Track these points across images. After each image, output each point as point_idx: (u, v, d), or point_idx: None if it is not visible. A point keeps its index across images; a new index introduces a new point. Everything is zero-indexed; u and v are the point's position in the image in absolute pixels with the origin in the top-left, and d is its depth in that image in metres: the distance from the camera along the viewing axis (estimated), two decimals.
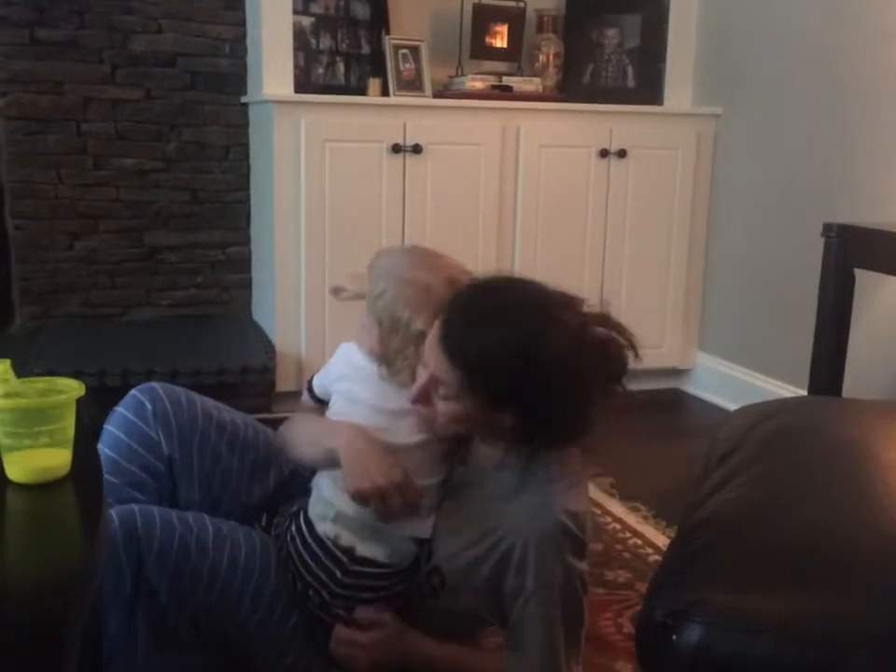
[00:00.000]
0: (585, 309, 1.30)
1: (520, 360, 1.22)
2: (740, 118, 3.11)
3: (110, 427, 1.45)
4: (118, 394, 2.52)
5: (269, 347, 2.93)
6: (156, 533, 1.28)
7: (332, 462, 1.37)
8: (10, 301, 3.09)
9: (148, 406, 1.44)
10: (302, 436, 1.47)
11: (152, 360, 2.75)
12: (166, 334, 3.12)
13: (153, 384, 1.49)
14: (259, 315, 3.26)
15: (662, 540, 2.13)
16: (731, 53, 3.13)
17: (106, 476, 1.41)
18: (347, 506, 1.37)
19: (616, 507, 2.31)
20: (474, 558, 1.35)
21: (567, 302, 1.29)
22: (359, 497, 1.33)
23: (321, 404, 1.52)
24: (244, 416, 1.57)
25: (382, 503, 1.33)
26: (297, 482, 1.54)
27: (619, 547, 2.10)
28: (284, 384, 2.90)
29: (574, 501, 1.34)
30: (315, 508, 1.41)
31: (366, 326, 1.40)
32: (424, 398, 1.30)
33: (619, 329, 1.30)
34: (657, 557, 2.04)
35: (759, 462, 1.26)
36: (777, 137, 2.95)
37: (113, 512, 1.27)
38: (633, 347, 1.29)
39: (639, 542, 2.12)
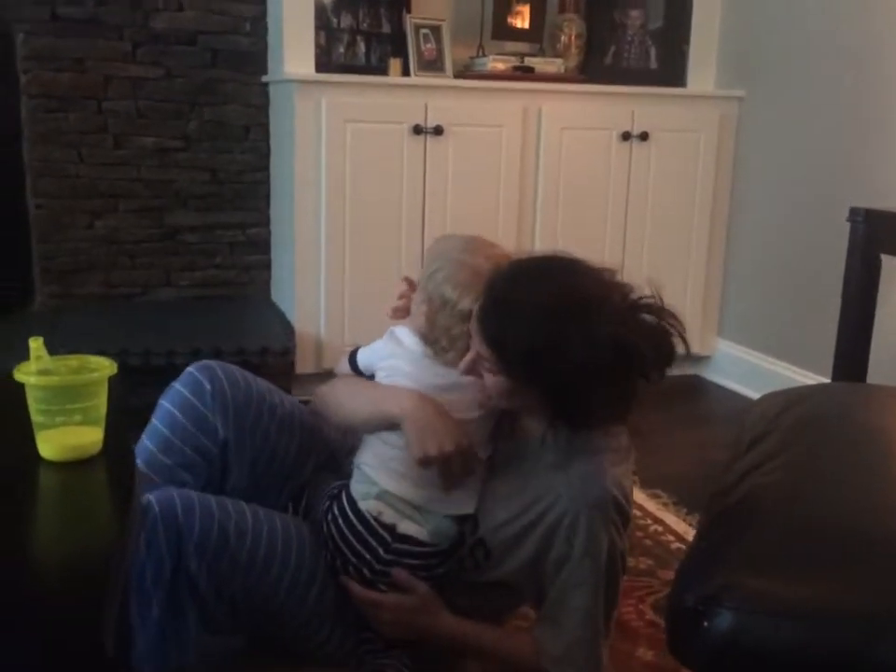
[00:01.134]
0: (635, 295, 1.30)
1: (552, 348, 1.24)
2: (764, 100, 3.08)
3: (166, 404, 1.45)
4: (139, 374, 2.55)
5: (288, 329, 2.93)
6: (195, 520, 1.29)
7: (387, 426, 1.39)
8: (31, 280, 3.10)
9: (207, 386, 1.44)
10: (355, 397, 1.46)
11: (173, 341, 2.75)
12: (186, 315, 3.13)
13: (211, 362, 1.48)
14: (279, 296, 3.26)
15: (683, 528, 2.13)
16: (755, 34, 3.10)
17: (158, 454, 1.42)
18: (389, 483, 1.40)
19: (637, 494, 2.30)
20: (522, 528, 1.37)
21: (615, 287, 1.30)
22: (425, 462, 1.35)
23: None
24: (291, 399, 1.57)
25: (446, 468, 1.36)
26: (331, 466, 1.54)
27: (640, 534, 2.09)
28: (303, 366, 2.90)
29: (622, 475, 1.37)
30: (358, 487, 1.43)
31: (417, 304, 1.43)
32: (471, 370, 1.34)
33: (669, 316, 1.30)
34: (678, 544, 2.04)
35: (788, 448, 1.26)
36: (802, 120, 2.92)
37: (153, 499, 1.28)
38: (682, 337, 1.29)
39: (660, 529, 2.12)
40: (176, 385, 1.46)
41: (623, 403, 1.30)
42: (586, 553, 1.33)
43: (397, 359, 1.44)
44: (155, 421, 1.45)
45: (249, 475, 1.48)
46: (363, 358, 1.52)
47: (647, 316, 1.28)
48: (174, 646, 1.29)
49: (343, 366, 1.55)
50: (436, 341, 1.39)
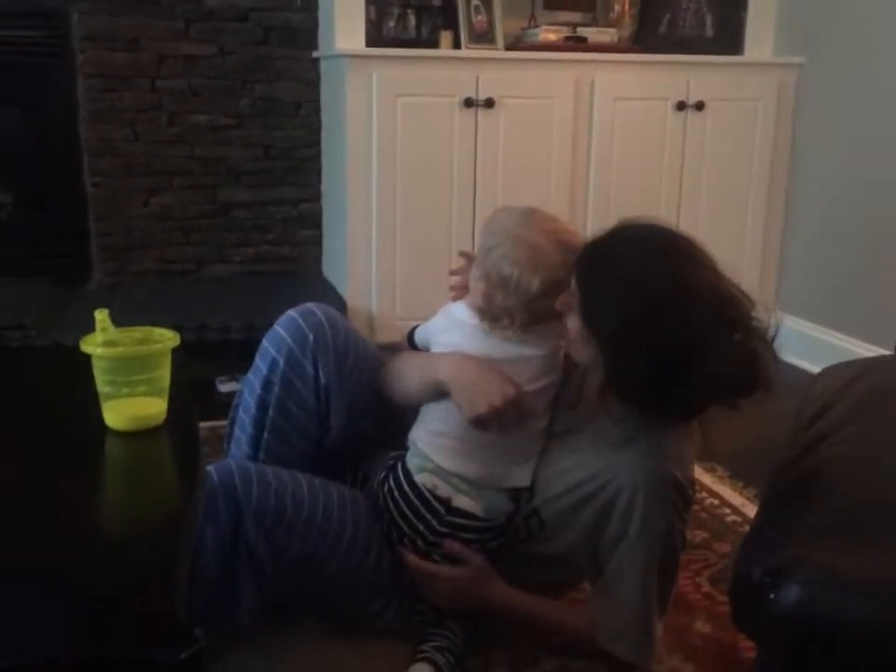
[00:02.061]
0: (735, 311, 1.24)
1: (646, 317, 1.21)
2: (824, 67, 2.99)
3: (276, 355, 1.45)
4: (194, 348, 2.59)
5: (340, 304, 2.95)
6: (253, 490, 1.30)
7: (439, 395, 1.39)
8: (89, 257, 3.15)
9: (310, 336, 1.44)
10: (407, 371, 1.46)
11: (227, 316, 2.79)
12: (239, 290, 3.16)
13: (313, 308, 1.48)
14: (330, 271, 3.28)
15: (739, 500, 2.11)
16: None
17: (270, 409, 1.44)
18: (444, 460, 1.40)
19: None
20: (577, 501, 1.37)
21: (706, 264, 1.26)
22: (477, 422, 1.34)
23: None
24: (380, 353, 1.58)
25: (500, 422, 1.34)
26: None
27: (696, 507, 2.06)
28: None
29: (685, 456, 1.35)
30: (413, 460, 1.43)
31: (475, 280, 1.40)
32: (565, 307, 1.33)
33: (761, 342, 1.23)
34: (734, 517, 2.02)
35: (855, 420, 1.23)
36: (864, 88, 2.83)
37: (212, 469, 1.30)
38: (766, 371, 1.22)
39: (716, 503, 2.10)
40: (279, 330, 1.47)
41: (688, 406, 1.27)
42: (643, 532, 1.32)
43: (450, 333, 1.44)
44: (262, 366, 1.46)
45: (348, 419, 1.48)
46: (420, 335, 1.51)
47: (736, 336, 1.21)
48: (229, 612, 1.31)
49: (403, 343, 1.55)
50: (494, 317, 1.37)
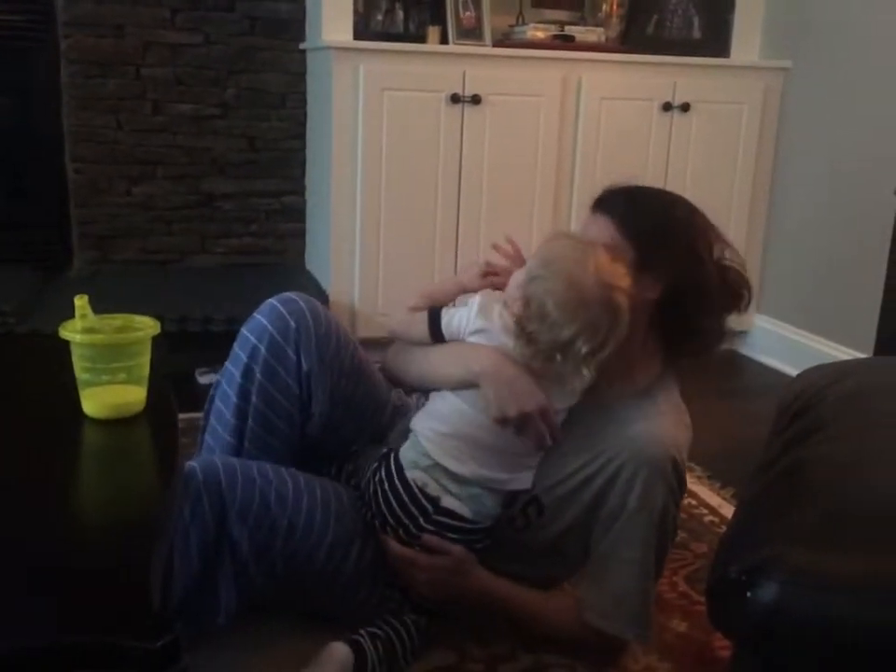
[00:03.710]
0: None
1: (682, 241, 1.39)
2: (810, 71, 3.01)
3: (257, 343, 1.43)
4: (175, 339, 2.57)
5: (322, 297, 2.94)
6: (237, 487, 1.30)
7: (467, 385, 1.38)
8: (69, 244, 3.13)
9: (292, 324, 1.42)
10: (435, 356, 1.44)
11: (208, 307, 2.77)
12: (221, 282, 3.14)
13: (293, 296, 1.46)
14: (313, 264, 3.27)
15: (716, 501, 2.12)
16: (802, 3, 3.02)
17: (253, 396, 1.42)
18: (447, 461, 1.38)
19: None
20: (579, 482, 1.39)
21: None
22: (502, 421, 1.35)
23: (436, 339, 1.46)
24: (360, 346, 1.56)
25: (523, 428, 1.36)
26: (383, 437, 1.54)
27: None
28: None
29: (683, 439, 1.40)
30: (408, 454, 1.42)
31: (514, 290, 1.36)
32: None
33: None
34: (712, 518, 2.03)
35: (834, 422, 1.24)
36: (850, 92, 2.85)
37: (196, 466, 1.29)
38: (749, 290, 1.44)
39: (694, 503, 2.10)
40: (259, 317, 1.45)
41: (718, 333, 1.41)
42: (641, 508, 1.35)
43: (488, 335, 1.39)
44: (241, 353, 1.44)
45: (329, 408, 1.46)
46: (451, 325, 1.44)
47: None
48: (207, 611, 1.30)
49: (399, 320, 1.52)
50: (525, 344, 1.32)
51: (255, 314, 1.46)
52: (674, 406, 1.43)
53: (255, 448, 1.43)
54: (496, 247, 1.54)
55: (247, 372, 1.42)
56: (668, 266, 1.36)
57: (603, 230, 1.37)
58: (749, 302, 1.44)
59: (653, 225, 1.39)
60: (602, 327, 1.27)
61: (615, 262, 1.31)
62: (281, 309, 1.43)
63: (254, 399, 1.42)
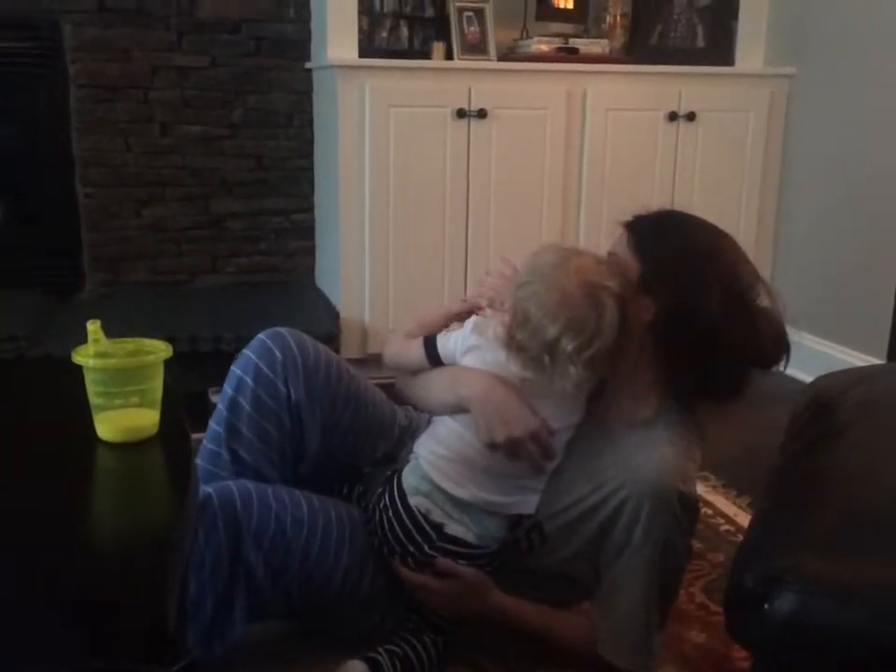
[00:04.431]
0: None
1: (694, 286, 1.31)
2: (816, 78, 3.01)
3: (244, 376, 1.44)
4: (186, 359, 2.57)
5: (333, 314, 2.94)
6: (253, 512, 1.29)
7: (460, 409, 1.37)
8: (81, 268, 3.14)
9: (278, 355, 1.43)
10: (434, 378, 1.43)
11: (220, 327, 2.78)
12: (232, 301, 3.15)
13: (281, 330, 1.47)
14: (323, 282, 3.28)
15: (732, 510, 2.10)
16: (806, 10, 3.02)
17: (234, 422, 1.42)
18: (447, 485, 1.37)
19: None
20: (581, 512, 1.37)
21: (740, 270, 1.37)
22: (492, 447, 1.33)
23: (434, 364, 1.46)
24: (362, 377, 1.56)
25: (514, 454, 1.33)
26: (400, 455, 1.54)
27: None
28: (348, 351, 2.91)
29: (690, 471, 1.36)
30: (410, 479, 1.41)
31: (504, 306, 1.35)
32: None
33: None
34: (728, 527, 2.02)
35: (850, 428, 1.23)
36: (855, 99, 2.85)
37: (212, 491, 1.29)
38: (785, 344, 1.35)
39: (710, 512, 2.09)
40: (247, 352, 1.46)
41: (730, 380, 1.33)
42: (645, 544, 1.32)
43: (483, 352, 1.39)
44: (227, 388, 1.45)
45: (325, 439, 1.46)
46: (447, 348, 1.44)
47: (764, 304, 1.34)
48: (220, 635, 1.29)
49: (395, 348, 1.52)
50: (514, 353, 1.31)
51: (244, 350, 1.47)
52: (678, 438, 1.37)
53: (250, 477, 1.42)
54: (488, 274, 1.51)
55: (233, 406, 1.42)
56: (668, 290, 1.31)
57: (620, 244, 1.37)
58: (778, 361, 1.34)
59: (665, 248, 1.36)
60: (588, 323, 1.25)
61: (600, 265, 1.31)
62: (268, 342, 1.44)
63: (244, 430, 1.42)
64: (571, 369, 1.26)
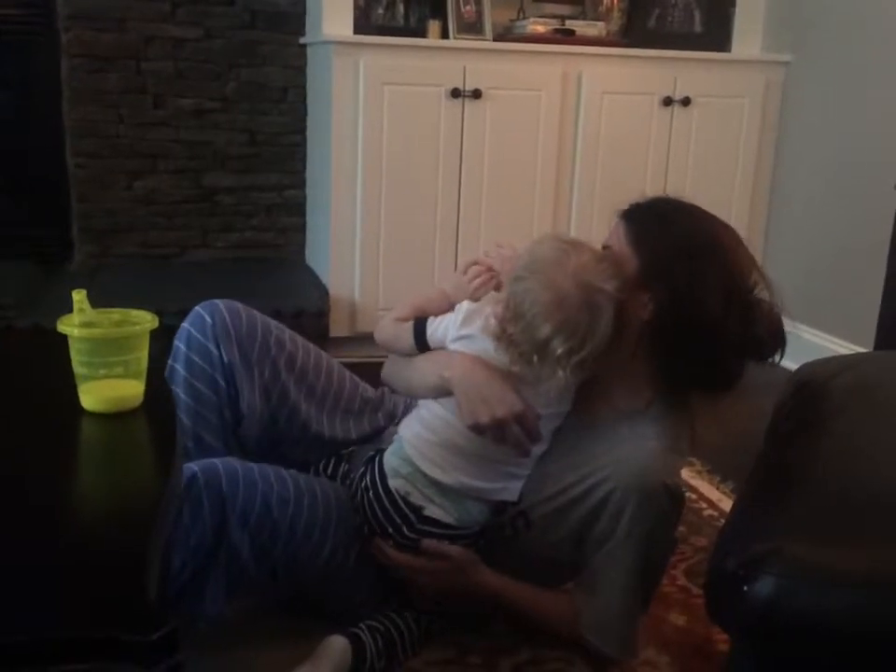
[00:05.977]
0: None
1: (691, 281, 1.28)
2: (812, 66, 3.00)
3: (176, 342, 1.47)
4: (174, 333, 2.56)
5: (322, 292, 2.94)
6: (239, 491, 1.29)
7: (444, 392, 1.36)
8: (70, 239, 3.13)
9: (208, 320, 1.45)
10: (418, 362, 1.43)
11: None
12: (222, 276, 3.14)
13: (216, 300, 1.50)
14: (313, 259, 3.27)
15: (716, 495, 2.12)
16: None
17: (179, 393, 1.44)
18: (426, 465, 1.37)
19: None
20: (566, 502, 1.37)
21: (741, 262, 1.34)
22: (476, 429, 1.32)
23: (422, 350, 1.44)
24: (315, 349, 1.56)
25: (499, 435, 1.32)
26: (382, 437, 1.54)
27: None
28: (337, 329, 2.91)
29: (677, 464, 1.37)
30: (391, 460, 1.41)
31: (498, 297, 1.34)
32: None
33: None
34: (711, 512, 2.03)
35: (836, 415, 1.24)
36: (851, 87, 2.85)
37: (197, 469, 1.28)
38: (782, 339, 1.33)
39: (693, 496, 2.10)
40: (184, 324, 1.49)
41: (726, 372, 1.32)
42: (630, 535, 1.32)
43: (474, 341, 1.37)
44: (171, 361, 1.47)
45: (263, 399, 1.47)
46: (436, 334, 1.42)
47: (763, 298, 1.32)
48: (203, 611, 1.29)
49: (386, 332, 1.50)
50: (504, 347, 1.30)
51: (182, 324, 1.49)
52: (667, 430, 1.37)
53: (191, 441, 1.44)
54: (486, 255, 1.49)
55: (171, 372, 1.45)
56: (666, 286, 1.29)
57: (618, 236, 1.35)
58: (775, 353, 1.33)
59: (664, 243, 1.31)
60: (580, 327, 1.23)
61: (601, 263, 1.27)
62: (200, 311, 1.47)
63: (182, 395, 1.43)
64: (560, 372, 1.25)
